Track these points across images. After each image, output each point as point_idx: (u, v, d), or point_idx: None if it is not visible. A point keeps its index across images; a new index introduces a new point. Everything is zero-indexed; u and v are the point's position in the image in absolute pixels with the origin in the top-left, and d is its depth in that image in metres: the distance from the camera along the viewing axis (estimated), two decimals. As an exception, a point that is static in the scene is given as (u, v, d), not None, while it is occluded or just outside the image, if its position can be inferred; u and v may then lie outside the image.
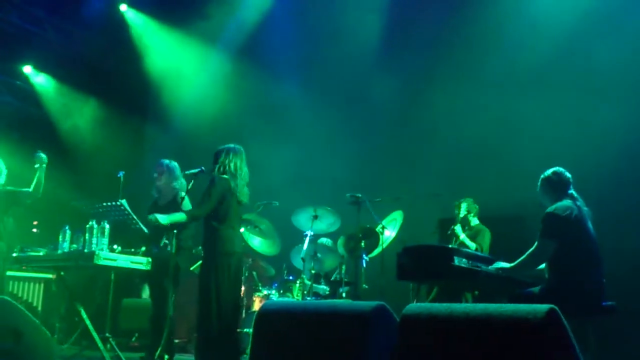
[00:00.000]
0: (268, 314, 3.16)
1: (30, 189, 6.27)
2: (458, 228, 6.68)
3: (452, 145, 7.86)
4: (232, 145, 5.44)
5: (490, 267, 4.89)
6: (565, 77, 7.19)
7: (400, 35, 8.47)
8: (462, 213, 6.72)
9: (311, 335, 2.94)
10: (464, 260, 4.78)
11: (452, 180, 7.62)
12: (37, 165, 6.23)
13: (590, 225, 4.62)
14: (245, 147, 5.52)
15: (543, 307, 2.33)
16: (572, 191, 4.73)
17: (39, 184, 6.25)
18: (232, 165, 5.34)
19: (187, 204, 5.53)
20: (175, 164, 6.03)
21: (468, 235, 6.73)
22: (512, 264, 4.75)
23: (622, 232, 6.20)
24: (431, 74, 8.07)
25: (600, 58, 6.88)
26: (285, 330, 3.04)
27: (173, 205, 5.71)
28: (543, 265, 4.72)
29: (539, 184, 4.83)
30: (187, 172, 5.62)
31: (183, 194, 5.60)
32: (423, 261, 4.93)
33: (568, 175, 4.75)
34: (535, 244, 4.58)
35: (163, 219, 5.18)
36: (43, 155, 6.27)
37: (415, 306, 2.76)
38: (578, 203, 4.63)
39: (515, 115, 7.41)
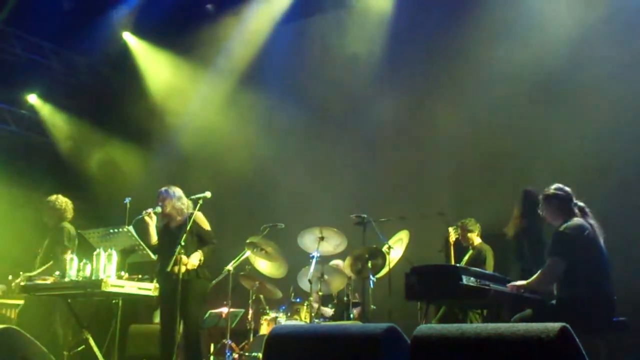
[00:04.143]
0: (278, 338, 3.14)
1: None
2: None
3: (456, 162, 7.85)
4: None
5: (503, 286, 4.83)
6: (573, 90, 7.09)
7: (399, 52, 8.49)
8: (452, 239, 6.74)
9: (322, 359, 2.93)
10: (471, 278, 4.75)
11: (458, 197, 7.61)
12: None
13: (601, 242, 4.60)
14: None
15: (555, 326, 2.32)
16: (582, 205, 4.71)
17: None
18: None
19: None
20: (172, 188, 5.90)
21: (471, 255, 6.75)
22: (526, 283, 4.72)
23: (634, 249, 6.13)
24: (433, 92, 8.08)
25: (609, 69, 6.81)
26: (296, 354, 3.02)
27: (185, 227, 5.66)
28: None
29: (542, 203, 4.80)
30: (192, 197, 5.67)
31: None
32: (431, 281, 4.90)
33: (568, 189, 4.75)
34: (547, 262, 4.56)
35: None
36: None
37: (426, 327, 2.74)
38: (590, 220, 4.61)
39: (520, 131, 7.41)
